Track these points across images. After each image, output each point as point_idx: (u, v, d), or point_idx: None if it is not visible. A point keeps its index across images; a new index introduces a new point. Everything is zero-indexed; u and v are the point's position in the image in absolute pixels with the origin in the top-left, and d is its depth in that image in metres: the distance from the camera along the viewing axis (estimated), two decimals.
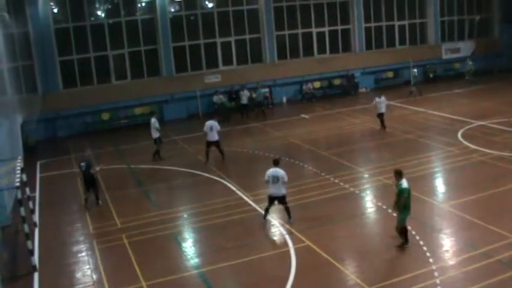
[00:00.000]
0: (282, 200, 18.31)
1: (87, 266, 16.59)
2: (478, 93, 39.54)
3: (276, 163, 18.34)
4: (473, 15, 48.71)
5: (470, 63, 43.93)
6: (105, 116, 36.69)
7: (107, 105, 36.45)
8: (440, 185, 21.95)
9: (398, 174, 15.80)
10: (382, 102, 30.17)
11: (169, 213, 20.27)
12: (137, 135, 32.87)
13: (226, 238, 17.61)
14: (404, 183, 15.58)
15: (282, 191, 18.16)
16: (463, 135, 27.58)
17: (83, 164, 21.21)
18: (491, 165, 22.97)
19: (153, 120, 27.25)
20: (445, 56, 46.98)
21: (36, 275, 15.98)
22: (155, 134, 27.13)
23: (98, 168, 21.98)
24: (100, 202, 21.42)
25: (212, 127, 25.88)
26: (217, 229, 17.83)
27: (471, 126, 29.45)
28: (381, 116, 30.18)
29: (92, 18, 36.96)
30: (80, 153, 29.38)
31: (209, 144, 26.15)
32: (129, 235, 18.36)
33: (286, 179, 18.04)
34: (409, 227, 15.90)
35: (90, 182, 21.22)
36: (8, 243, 18.35)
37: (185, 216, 19.86)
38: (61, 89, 36.05)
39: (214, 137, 26.02)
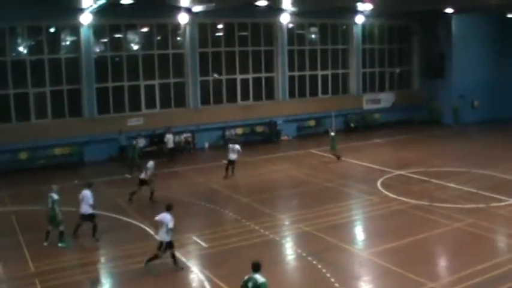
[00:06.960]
0: None
1: None
2: (397, 143, 40.56)
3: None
4: (394, 67, 50.31)
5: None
6: (23, 155, 35.41)
7: (25, 144, 35.20)
8: (359, 232, 22.15)
9: None
10: (234, 150, 30.90)
11: (85, 257, 19.71)
12: (57, 175, 31.83)
13: (143, 285, 17.23)
14: None
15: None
16: (382, 184, 28.06)
17: (51, 195, 21.09)
18: (409, 213, 23.41)
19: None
20: (366, 107, 48.13)
21: None
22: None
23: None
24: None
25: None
26: (134, 276, 17.27)
27: (390, 175, 30.04)
28: (232, 163, 31.02)
29: (14, 54, 35.93)
30: None
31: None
32: (42, 279, 17.59)
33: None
34: (327, 274, 15.79)
35: (50, 217, 21.02)
36: None
37: (102, 261, 19.25)
38: None
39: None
